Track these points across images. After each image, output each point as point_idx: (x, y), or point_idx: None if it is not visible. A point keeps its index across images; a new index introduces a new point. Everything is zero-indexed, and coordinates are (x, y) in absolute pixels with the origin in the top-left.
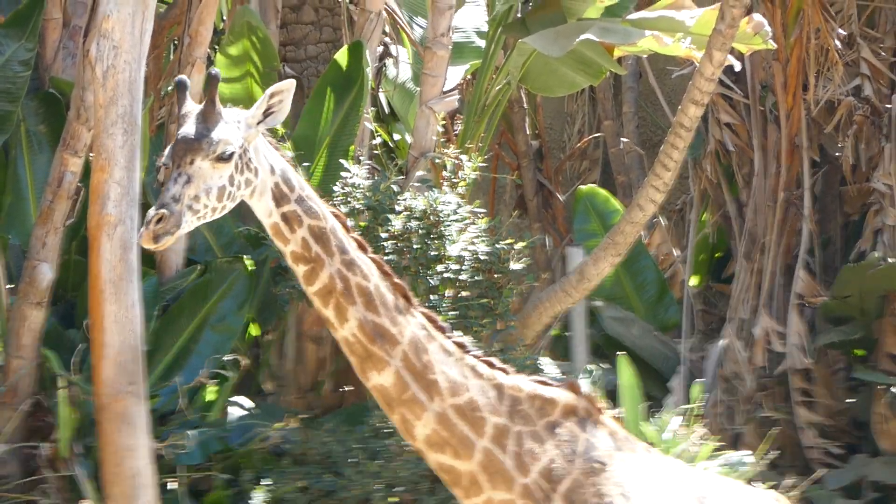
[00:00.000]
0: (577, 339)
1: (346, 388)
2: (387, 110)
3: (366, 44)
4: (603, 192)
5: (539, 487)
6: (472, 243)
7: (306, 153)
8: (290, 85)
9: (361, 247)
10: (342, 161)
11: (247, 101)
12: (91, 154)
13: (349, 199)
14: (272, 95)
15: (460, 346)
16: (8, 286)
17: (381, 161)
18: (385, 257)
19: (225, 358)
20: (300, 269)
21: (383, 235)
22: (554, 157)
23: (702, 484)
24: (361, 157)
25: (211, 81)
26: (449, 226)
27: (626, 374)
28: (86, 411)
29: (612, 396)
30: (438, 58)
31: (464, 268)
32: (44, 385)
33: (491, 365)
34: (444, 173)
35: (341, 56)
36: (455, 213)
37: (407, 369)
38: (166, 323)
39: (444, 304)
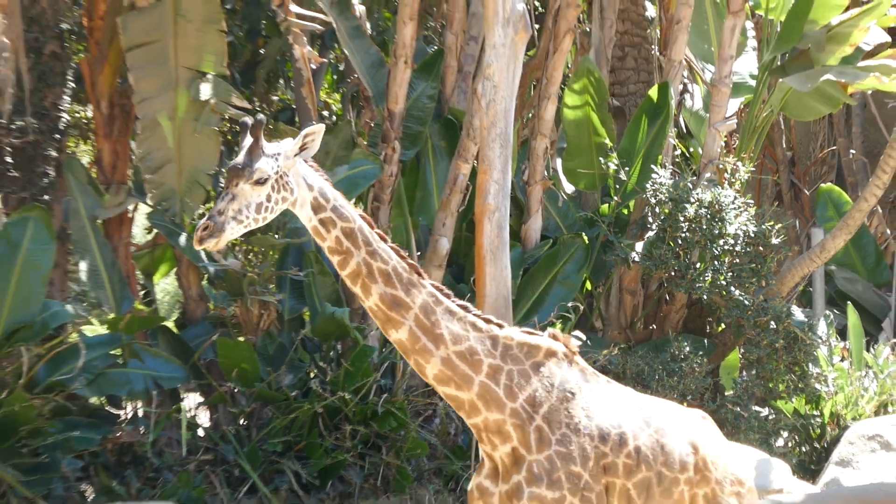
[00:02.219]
0: (818, 293)
1: (653, 327)
2: (685, 130)
3: (671, 83)
4: (837, 189)
5: (524, 410)
6: (745, 225)
7: (627, 161)
8: (319, 129)
9: (383, 238)
10: (652, 166)
11: (586, 123)
12: (476, 161)
13: (657, 193)
14: (306, 135)
15: (464, 307)
16: (417, 253)
17: (681, 166)
18: (682, 234)
19: (568, 304)
20: (335, 259)
21: (681, 219)
22: (802, 164)
23: (647, 406)
24: (666, 164)
25: (256, 125)
26: (728, 212)
27: (853, 317)
28: None
29: (843, 333)
30: (722, 93)
31: (738, 242)
32: None
33: (488, 321)
34: (725, 175)
35: (653, 92)
36: (732, 203)
37: (418, 327)
38: (527, 280)
39: (723, 268)
